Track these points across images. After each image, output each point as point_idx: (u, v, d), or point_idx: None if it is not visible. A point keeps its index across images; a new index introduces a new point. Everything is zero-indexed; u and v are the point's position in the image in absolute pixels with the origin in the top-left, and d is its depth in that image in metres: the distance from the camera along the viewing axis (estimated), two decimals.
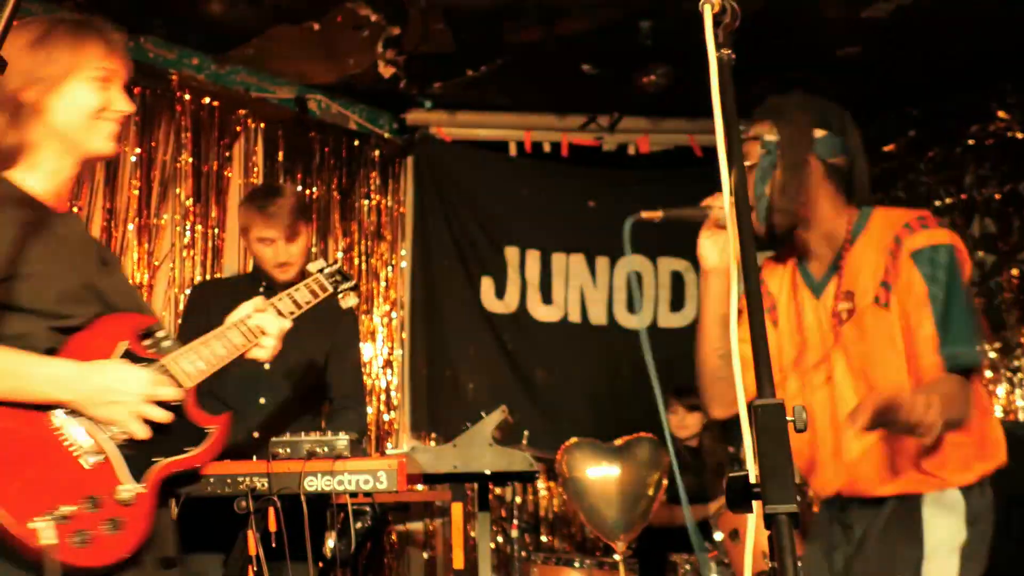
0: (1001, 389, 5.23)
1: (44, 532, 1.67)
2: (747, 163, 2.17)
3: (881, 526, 2.15)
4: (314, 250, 5.15)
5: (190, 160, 4.65)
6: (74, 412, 1.84)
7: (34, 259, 1.85)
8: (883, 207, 2.25)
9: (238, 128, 4.92)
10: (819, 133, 2.18)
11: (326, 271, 2.48)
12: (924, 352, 2.07)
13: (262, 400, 3.12)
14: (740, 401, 1.08)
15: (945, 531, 2.09)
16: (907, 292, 2.09)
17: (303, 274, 3.16)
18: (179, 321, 3.39)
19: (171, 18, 4.49)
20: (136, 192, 4.45)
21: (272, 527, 2.42)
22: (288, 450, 2.50)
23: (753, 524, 1.10)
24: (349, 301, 2.55)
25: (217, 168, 4.76)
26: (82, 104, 1.95)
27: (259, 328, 2.16)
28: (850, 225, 2.21)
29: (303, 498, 2.42)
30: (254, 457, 2.48)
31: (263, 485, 2.47)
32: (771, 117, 2.22)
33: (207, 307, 3.15)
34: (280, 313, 2.24)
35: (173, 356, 2.00)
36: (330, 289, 2.46)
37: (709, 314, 2.32)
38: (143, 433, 1.87)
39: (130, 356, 1.93)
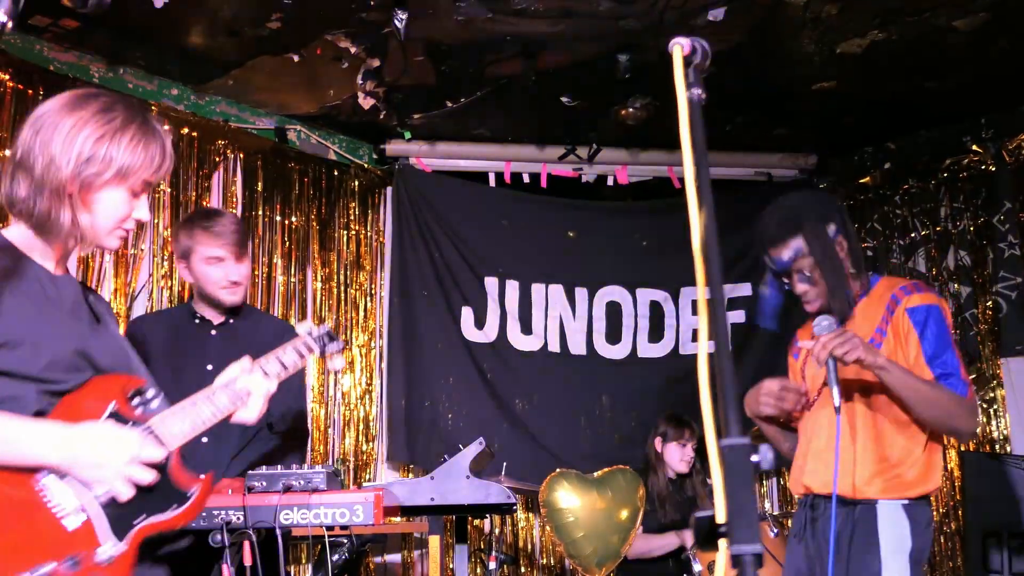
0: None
1: None
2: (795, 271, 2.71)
3: (849, 530, 2.62)
4: (293, 280, 5.14)
5: (168, 190, 4.63)
6: (61, 473, 1.83)
7: (26, 325, 1.86)
8: (888, 276, 2.86)
9: (217, 158, 4.92)
10: (830, 228, 2.69)
11: (314, 333, 2.46)
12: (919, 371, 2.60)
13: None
14: (710, 440, 1.09)
15: (896, 540, 2.57)
16: (897, 335, 2.64)
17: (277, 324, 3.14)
18: None
19: (152, 49, 4.50)
20: None
21: (247, 561, 2.41)
22: (264, 483, 2.48)
23: (723, 559, 1.11)
24: (336, 363, 2.54)
25: (196, 198, 4.75)
26: (116, 212, 1.98)
27: (246, 391, 2.16)
28: (859, 290, 2.76)
29: (278, 532, 2.41)
30: (229, 491, 2.45)
31: (238, 518, 2.46)
32: (791, 230, 2.68)
33: (145, 341, 3.06)
34: (266, 374, 2.23)
35: (160, 417, 1.98)
36: (316, 350, 2.44)
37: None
38: (128, 494, 1.86)
39: (117, 417, 1.92)
